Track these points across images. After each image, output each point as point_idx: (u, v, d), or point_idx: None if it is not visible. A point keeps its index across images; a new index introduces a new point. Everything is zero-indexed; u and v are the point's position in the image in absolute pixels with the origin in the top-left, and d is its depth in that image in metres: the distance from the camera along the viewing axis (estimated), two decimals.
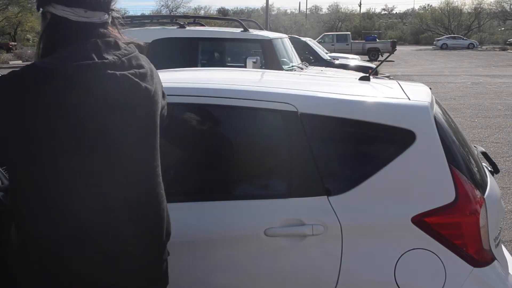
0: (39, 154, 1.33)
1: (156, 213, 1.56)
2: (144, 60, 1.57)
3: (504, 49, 44.35)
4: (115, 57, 1.44)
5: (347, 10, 75.54)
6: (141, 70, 1.50)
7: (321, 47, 15.03)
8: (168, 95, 2.12)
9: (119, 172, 1.42)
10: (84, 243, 1.37)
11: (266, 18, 26.66)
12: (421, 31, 65.01)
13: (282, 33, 10.67)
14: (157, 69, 1.69)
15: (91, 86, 1.34)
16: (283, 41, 7.77)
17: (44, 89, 1.29)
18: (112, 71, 1.40)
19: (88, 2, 1.45)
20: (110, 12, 1.53)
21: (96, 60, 1.38)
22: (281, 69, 6.82)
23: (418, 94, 2.21)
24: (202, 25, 8.68)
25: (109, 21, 1.53)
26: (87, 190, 1.37)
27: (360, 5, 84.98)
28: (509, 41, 50.32)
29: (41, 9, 1.49)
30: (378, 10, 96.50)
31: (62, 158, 1.34)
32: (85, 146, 1.35)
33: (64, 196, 1.36)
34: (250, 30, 7.67)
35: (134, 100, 1.45)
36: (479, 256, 1.91)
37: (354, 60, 13.76)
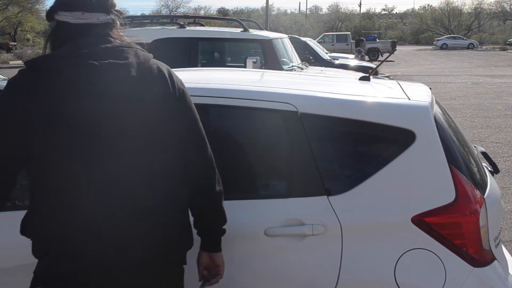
0: (29, 149, 1.43)
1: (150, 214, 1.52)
2: (143, 57, 1.55)
3: (504, 49, 44.36)
4: (95, 48, 1.47)
5: (347, 10, 75.54)
6: (123, 62, 1.48)
7: (321, 47, 15.03)
8: None
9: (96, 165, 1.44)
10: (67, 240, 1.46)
11: (266, 18, 26.69)
12: (421, 31, 65.02)
13: (282, 33, 10.67)
14: None
15: (56, 74, 1.41)
16: (283, 41, 7.78)
17: (21, 84, 1.42)
18: (82, 60, 1.43)
19: (84, 4, 1.52)
20: (112, 13, 1.56)
21: (71, 51, 1.45)
22: (281, 69, 6.82)
23: (418, 94, 2.21)
24: (202, 25, 8.68)
25: (112, 22, 1.56)
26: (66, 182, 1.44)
27: (360, 5, 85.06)
28: (509, 41, 50.33)
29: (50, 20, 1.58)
30: (378, 10, 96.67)
31: (42, 151, 1.42)
32: (57, 135, 1.41)
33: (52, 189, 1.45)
34: (250, 30, 7.67)
35: (107, 89, 1.44)
36: (479, 256, 1.91)
37: (354, 60, 13.75)
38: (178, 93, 1.60)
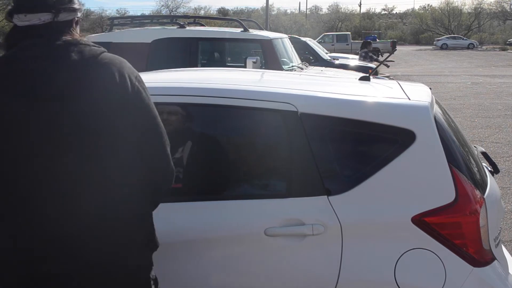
0: None
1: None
2: (89, 54, 1.47)
3: (504, 49, 44.34)
4: (31, 50, 1.45)
5: (347, 10, 75.50)
6: (55, 62, 1.43)
7: (321, 47, 15.03)
8: (168, 95, 2.12)
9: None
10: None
11: (266, 18, 26.67)
12: (421, 31, 64.97)
13: (282, 33, 10.67)
14: (157, 69, 1.66)
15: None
16: (283, 41, 7.77)
17: None
18: (13, 65, 1.43)
19: (26, 6, 1.49)
20: (60, 11, 1.50)
21: (7, 55, 1.45)
22: (281, 69, 6.82)
23: (418, 94, 2.21)
24: (202, 25, 8.68)
25: (58, 20, 1.50)
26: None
27: (360, 5, 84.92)
28: (509, 41, 50.31)
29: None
30: (378, 10, 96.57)
31: None
32: None
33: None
34: (250, 30, 7.67)
35: (34, 92, 1.41)
36: (479, 256, 1.91)
37: (354, 60, 13.76)
38: (129, 90, 1.47)
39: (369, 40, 14.92)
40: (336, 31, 49.41)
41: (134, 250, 1.50)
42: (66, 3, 1.53)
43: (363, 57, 12.97)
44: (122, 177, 1.47)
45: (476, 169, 2.15)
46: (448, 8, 64.76)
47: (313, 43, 13.31)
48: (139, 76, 1.55)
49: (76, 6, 1.56)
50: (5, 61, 1.46)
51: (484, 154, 2.64)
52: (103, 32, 11.77)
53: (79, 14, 1.58)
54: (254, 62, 6.19)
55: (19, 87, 1.41)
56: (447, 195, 1.90)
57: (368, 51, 13.15)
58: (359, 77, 2.61)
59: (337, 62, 12.01)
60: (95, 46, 1.52)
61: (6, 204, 1.44)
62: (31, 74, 1.41)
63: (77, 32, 1.58)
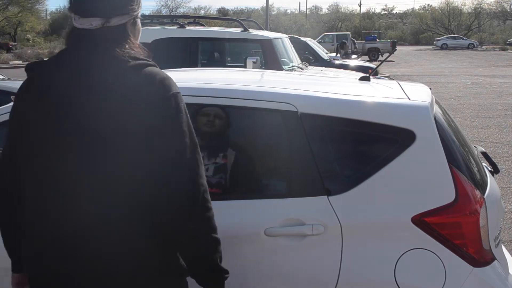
0: None
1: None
2: (127, 74, 1.38)
3: (504, 49, 44.35)
4: (70, 57, 1.44)
5: (347, 10, 75.58)
6: (84, 77, 1.38)
7: (321, 47, 15.03)
8: None
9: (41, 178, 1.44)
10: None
11: (266, 18, 26.65)
12: (421, 31, 65.00)
13: (282, 33, 10.67)
14: None
15: (31, 81, 1.46)
16: (283, 41, 7.77)
17: (21, 85, 1.50)
18: (48, 73, 1.43)
19: (77, 10, 1.45)
20: (112, 16, 1.44)
21: (51, 60, 1.46)
22: (281, 69, 6.82)
23: (418, 94, 2.21)
24: (202, 25, 8.68)
25: (109, 25, 1.44)
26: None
27: (360, 5, 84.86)
28: (509, 41, 50.32)
29: None
30: (378, 10, 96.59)
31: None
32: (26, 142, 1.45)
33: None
34: (250, 30, 7.67)
35: (53, 102, 1.40)
36: (479, 256, 1.91)
37: (354, 60, 13.75)
38: (162, 113, 1.37)
39: (344, 41, 15.28)
40: (336, 31, 49.40)
41: (134, 251, 1.49)
42: (120, 7, 1.45)
43: (341, 51, 13.39)
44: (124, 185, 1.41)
45: (476, 169, 2.15)
46: (448, 8, 64.78)
47: (313, 43, 13.30)
48: (178, 96, 1.43)
49: (131, 7, 1.47)
50: (38, 66, 1.47)
51: (484, 154, 2.64)
52: None
53: (134, 14, 1.50)
54: (254, 62, 6.19)
55: (44, 98, 1.43)
56: (447, 195, 1.90)
57: (342, 50, 13.62)
58: (359, 77, 2.61)
59: (337, 62, 12.01)
60: (142, 61, 1.42)
61: (19, 204, 1.50)
62: (54, 87, 1.41)
63: (133, 36, 1.50)
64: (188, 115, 1.45)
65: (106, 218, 1.40)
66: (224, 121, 2.16)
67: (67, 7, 1.49)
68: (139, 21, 1.56)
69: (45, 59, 1.52)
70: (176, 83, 1.48)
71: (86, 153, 1.38)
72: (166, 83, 1.41)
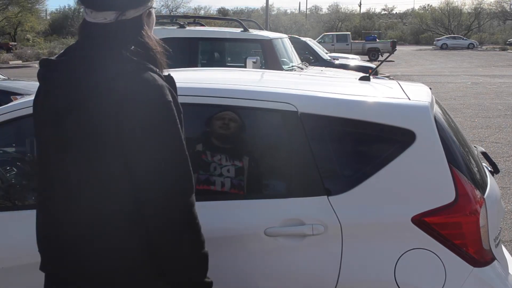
0: None
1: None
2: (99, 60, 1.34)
3: (504, 49, 44.34)
4: (75, 54, 1.41)
5: (347, 10, 75.52)
6: (79, 76, 1.36)
7: (321, 47, 15.03)
8: None
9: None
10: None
11: (266, 18, 26.64)
12: (421, 31, 64.95)
13: (282, 33, 10.67)
14: None
15: (41, 78, 1.46)
16: (283, 41, 7.77)
17: None
18: (53, 70, 1.43)
19: (92, 2, 1.38)
20: (125, 9, 1.38)
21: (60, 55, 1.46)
22: (281, 69, 6.82)
23: (418, 94, 2.21)
24: (202, 25, 8.68)
25: (124, 19, 1.38)
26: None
27: (360, 5, 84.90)
28: (509, 41, 50.30)
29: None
30: (378, 10, 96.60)
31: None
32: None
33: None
34: (250, 30, 7.67)
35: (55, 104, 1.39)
36: (479, 256, 1.91)
37: (354, 60, 13.76)
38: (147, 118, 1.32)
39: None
40: (336, 31, 49.39)
41: (133, 253, 1.48)
42: (137, 2, 1.38)
43: None
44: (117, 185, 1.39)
45: (476, 169, 2.15)
46: (448, 8, 64.74)
47: (313, 43, 13.31)
48: (169, 105, 1.36)
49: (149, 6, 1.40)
50: (47, 63, 1.45)
51: (484, 154, 2.64)
52: None
53: (149, 5, 1.42)
54: (254, 62, 6.19)
55: (46, 96, 1.45)
56: (447, 195, 1.90)
57: None
58: (359, 77, 2.61)
59: (337, 62, 12.02)
60: (142, 65, 1.37)
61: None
62: (57, 87, 1.42)
63: (149, 28, 1.44)
64: (181, 126, 1.38)
65: (106, 218, 1.40)
66: (238, 124, 2.16)
67: (77, 0, 1.42)
68: (153, 11, 1.49)
69: (53, 57, 1.47)
70: (177, 83, 1.48)
71: (83, 153, 1.38)
72: (158, 92, 1.34)
